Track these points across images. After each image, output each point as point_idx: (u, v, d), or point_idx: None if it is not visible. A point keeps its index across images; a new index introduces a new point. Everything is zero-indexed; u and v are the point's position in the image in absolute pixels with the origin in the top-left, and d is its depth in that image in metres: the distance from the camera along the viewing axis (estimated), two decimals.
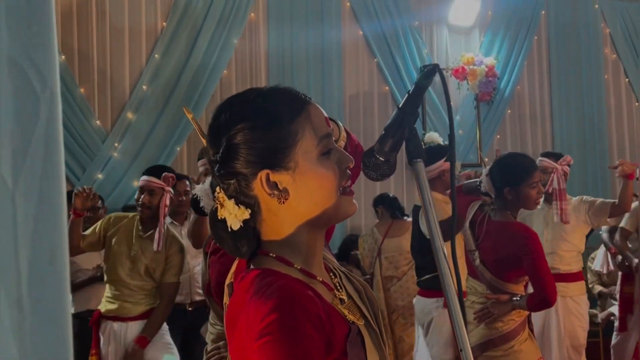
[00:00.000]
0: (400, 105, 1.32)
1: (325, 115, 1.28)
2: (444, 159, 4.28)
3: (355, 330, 1.25)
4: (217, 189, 1.26)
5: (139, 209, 4.07)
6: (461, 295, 1.19)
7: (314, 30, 7.12)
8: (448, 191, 3.97)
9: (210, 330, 3.18)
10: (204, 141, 1.27)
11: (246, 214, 1.23)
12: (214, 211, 1.27)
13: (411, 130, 1.31)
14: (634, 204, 5.33)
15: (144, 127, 6.36)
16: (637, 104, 8.49)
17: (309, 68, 7.09)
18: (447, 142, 6.16)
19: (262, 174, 1.20)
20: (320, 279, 1.27)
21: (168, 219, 5.29)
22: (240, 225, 1.23)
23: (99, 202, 5.09)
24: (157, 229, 4.01)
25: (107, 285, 4.13)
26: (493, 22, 7.92)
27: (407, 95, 1.32)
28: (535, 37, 8.14)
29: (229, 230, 1.25)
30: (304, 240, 1.26)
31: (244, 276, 1.25)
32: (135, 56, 6.51)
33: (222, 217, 1.25)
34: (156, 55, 6.48)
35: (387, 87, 7.52)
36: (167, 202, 4.03)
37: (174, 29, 6.57)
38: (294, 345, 1.09)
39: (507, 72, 7.87)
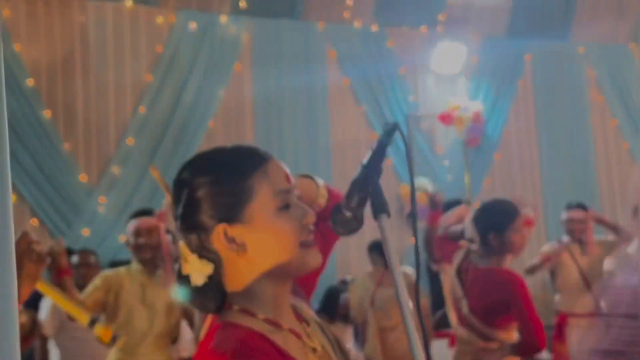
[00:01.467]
0: (364, 162, 1.35)
1: (287, 172, 1.31)
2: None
3: None
4: (181, 243, 1.28)
5: (138, 252, 3.82)
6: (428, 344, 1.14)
7: (299, 77, 7.18)
8: None
9: None
10: (168, 197, 1.30)
11: (209, 268, 1.25)
12: (179, 269, 1.29)
13: (375, 186, 1.34)
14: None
15: (130, 182, 6.34)
16: (625, 146, 8.52)
17: (295, 116, 7.13)
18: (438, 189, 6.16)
19: (220, 227, 1.23)
20: (288, 327, 1.28)
21: None
22: (205, 281, 1.25)
23: (92, 257, 4.93)
24: (165, 265, 3.82)
25: (115, 351, 3.79)
26: (479, 67, 7.99)
27: (370, 152, 1.36)
28: (521, 82, 8.22)
29: (194, 286, 1.26)
30: (267, 291, 1.28)
31: (209, 329, 1.28)
32: (121, 110, 6.53)
33: (187, 274, 1.27)
34: (141, 109, 6.49)
35: (374, 134, 7.54)
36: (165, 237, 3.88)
37: (159, 81, 6.61)
38: None
39: (494, 117, 7.92)
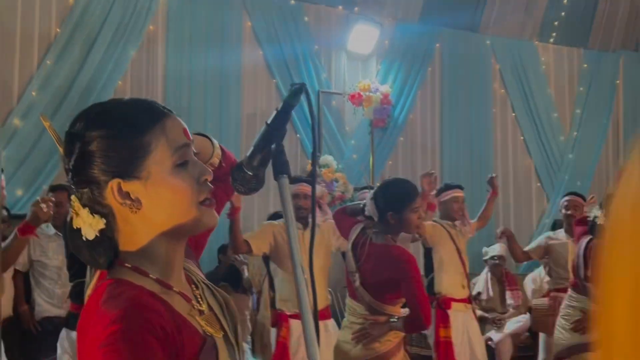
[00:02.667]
0: (268, 122, 1.34)
1: (185, 127, 1.29)
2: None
3: (211, 343, 1.26)
4: (72, 197, 1.25)
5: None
6: (316, 308, 1.21)
7: (213, 47, 7.11)
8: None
9: None
10: (60, 149, 1.27)
11: (101, 223, 1.23)
12: (70, 221, 1.26)
13: (278, 147, 1.33)
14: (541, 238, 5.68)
15: (31, 135, 6.13)
16: (521, 138, 8.89)
17: (206, 83, 7.05)
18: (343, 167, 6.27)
19: (114, 183, 1.21)
20: (177, 290, 1.28)
21: (52, 229, 5.15)
22: (96, 235, 1.23)
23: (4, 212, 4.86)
24: None
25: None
26: (390, 51, 8.12)
27: (275, 112, 1.34)
28: (430, 69, 8.41)
29: (85, 240, 1.24)
30: (161, 250, 1.26)
31: (98, 286, 1.25)
32: (26, 61, 6.28)
33: (78, 227, 1.24)
34: (48, 62, 6.28)
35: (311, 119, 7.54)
36: None
37: (68, 35, 6.39)
38: (133, 356, 1.09)
39: (402, 101, 8.07)
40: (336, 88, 7.85)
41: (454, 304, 5.06)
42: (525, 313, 6.69)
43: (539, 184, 8.91)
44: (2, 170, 3.99)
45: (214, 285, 1.44)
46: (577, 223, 4.24)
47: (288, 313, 4.51)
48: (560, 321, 4.12)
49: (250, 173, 1.34)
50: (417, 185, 3.65)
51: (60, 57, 6.34)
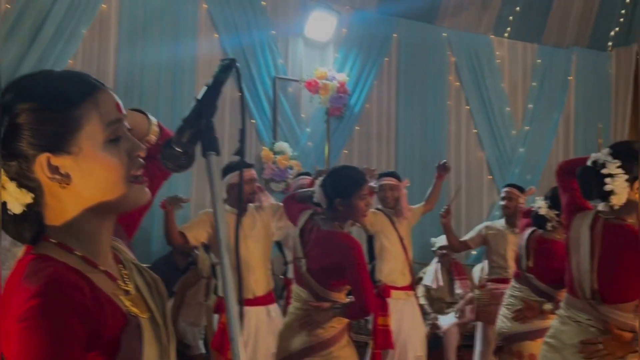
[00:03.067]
0: (198, 97, 1.32)
1: (118, 101, 1.27)
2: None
3: (135, 323, 1.25)
4: None
5: None
6: (241, 295, 1.21)
7: (168, 32, 7.03)
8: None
9: None
10: None
11: (28, 197, 1.21)
12: None
13: (208, 123, 1.32)
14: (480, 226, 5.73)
15: None
16: (474, 130, 8.99)
17: (160, 67, 6.96)
18: (295, 153, 6.26)
19: (43, 157, 1.19)
20: (103, 269, 1.26)
21: None
22: (24, 210, 1.21)
23: None
24: None
25: None
26: (348, 39, 8.12)
27: (205, 87, 1.33)
28: (386, 59, 8.43)
29: (11, 214, 1.22)
30: (88, 227, 1.25)
31: (21, 259, 1.23)
32: None
33: (4, 201, 1.22)
34: None
35: (240, 93, 7.49)
36: None
37: (18, 11, 6.24)
38: (51, 332, 1.08)
39: (358, 90, 8.09)
40: (293, 75, 7.83)
41: (394, 292, 5.09)
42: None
43: (490, 177, 9.02)
44: None
45: (142, 265, 1.43)
46: (523, 215, 4.32)
47: None
48: (503, 310, 4.19)
49: (179, 150, 1.32)
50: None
51: (10, 34, 6.19)
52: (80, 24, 6.52)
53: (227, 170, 4.63)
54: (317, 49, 8.07)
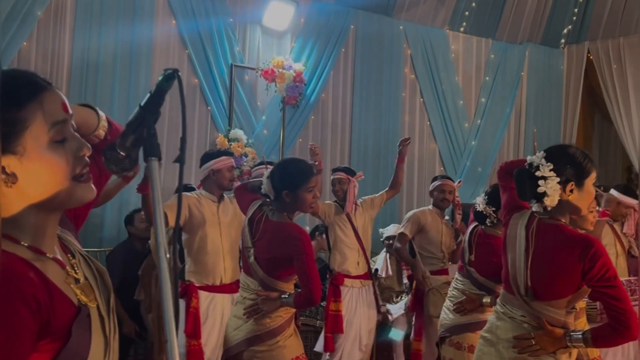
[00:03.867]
0: (142, 104, 1.37)
1: (64, 100, 1.29)
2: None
3: (85, 313, 1.29)
4: None
5: None
6: (177, 284, 1.26)
7: (125, 17, 6.99)
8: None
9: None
10: None
11: None
12: None
13: (150, 129, 1.36)
14: (413, 212, 5.77)
15: None
16: (428, 123, 9.11)
17: (116, 53, 6.89)
18: (251, 140, 6.22)
19: None
20: (51, 256, 1.30)
21: None
22: None
23: None
24: None
25: None
26: (305, 29, 8.15)
27: (149, 95, 1.38)
28: (343, 50, 8.47)
29: None
30: (34, 220, 1.28)
31: None
32: None
33: None
34: None
35: (196, 80, 7.50)
36: None
37: None
38: (2, 326, 1.11)
39: (314, 80, 8.12)
40: (249, 63, 7.83)
41: (347, 280, 5.27)
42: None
43: (442, 168, 9.13)
44: None
45: (89, 255, 1.47)
46: (472, 211, 4.43)
47: (197, 285, 4.56)
48: (446, 302, 4.30)
49: (123, 153, 1.36)
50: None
51: None
52: (35, 5, 6.43)
53: (206, 157, 4.73)
54: (275, 38, 8.08)
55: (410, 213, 5.75)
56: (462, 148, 9.21)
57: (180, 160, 1.38)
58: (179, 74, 1.38)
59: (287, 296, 3.36)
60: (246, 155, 7.43)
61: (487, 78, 9.51)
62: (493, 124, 9.43)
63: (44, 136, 1.24)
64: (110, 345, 1.37)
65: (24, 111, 1.23)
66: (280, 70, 7.54)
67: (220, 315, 4.59)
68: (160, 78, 1.38)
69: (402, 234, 5.65)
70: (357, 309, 5.29)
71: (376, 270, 7.00)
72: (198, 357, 4.43)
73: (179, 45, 7.44)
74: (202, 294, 4.56)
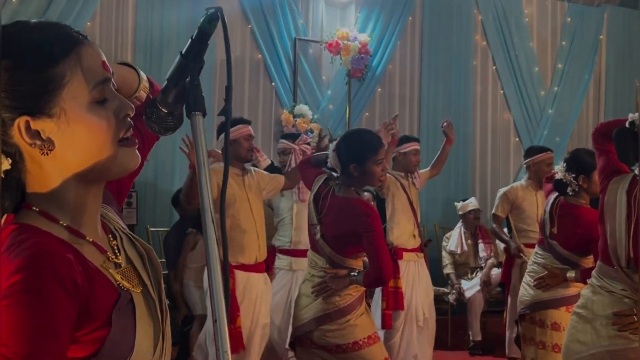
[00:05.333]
0: (183, 52, 1.19)
1: (104, 58, 1.15)
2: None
3: (126, 298, 1.16)
4: None
5: None
6: (226, 264, 1.09)
7: None
8: None
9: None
10: None
11: (6, 164, 1.10)
12: None
13: (193, 81, 1.19)
14: (502, 191, 5.62)
15: None
16: (501, 91, 8.78)
17: (179, 27, 6.85)
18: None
19: (21, 120, 1.08)
20: (90, 240, 1.17)
21: None
22: (1, 176, 1.10)
23: None
24: None
25: None
26: None
27: (190, 41, 1.19)
28: (410, 18, 8.22)
29: None
30: (73, 195, 1.15)
31: (2, 230, 1.13)
32: None
33: None
34: (13, 0, 6.05)
35: (259, 55, 7.41)
36: None
37: None
38: (37, 310, 0.99)
39: (380, 51, 7.92)
40: (313, 36, 7.68)
41: (405, 254, 5.12)
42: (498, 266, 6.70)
43: (517, 139, 8.83)
44: None
45: (133, 234, 1.33)
46: (546, 180, 4.18)
47: (234, 264, 4.39)
48: (525, 278, 4.08)
49: (165, 110, 1.20)
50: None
51: None
52: None
53: (222, 128, 4.53)
54: (339, 9, 7.91)
55: (500, 192, 5.72)
56: (539, 117, 8.84)
57: (226, 112, 1.20)
58: (222, 12, 1.18)
59: (356, 274, 3.22)
60: (312, 131, 7.31)
61: (563, 43, 9.08)
62: (571, 91, 9.01)
63: (84, 96, 1.11)
64: (164, 328, 1.23)
65: (59, 67, 1.09)
66: (345, 42, 7.36)
67: (254, 297, 4.42)
68: (201, 19, 1.18)
69: (495, 215, 5.68)
70: (414, 283, 5.14)
71: (429, 240, 6.83)
72: (238, 342, 4.26)
73: (242, 20, 7.34)
74: (239, 275, 4.35)
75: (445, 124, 5.52)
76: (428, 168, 5.61)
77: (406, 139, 5.35)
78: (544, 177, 4.83)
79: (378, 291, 5.08)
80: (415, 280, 5.14)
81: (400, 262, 5.07)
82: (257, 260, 4.45)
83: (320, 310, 3.24)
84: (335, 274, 3.23)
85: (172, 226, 6.06)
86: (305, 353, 3.30)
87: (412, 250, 5.18)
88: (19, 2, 6.08)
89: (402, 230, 5.15)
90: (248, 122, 4.62)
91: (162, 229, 6.35)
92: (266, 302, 4.51)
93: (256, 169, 4.72)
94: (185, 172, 6.45)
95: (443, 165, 5.67)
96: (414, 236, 5.21)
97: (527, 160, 5.63)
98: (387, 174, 5.11)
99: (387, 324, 4.98)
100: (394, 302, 4.98)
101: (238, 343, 4.26)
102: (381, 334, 4.96)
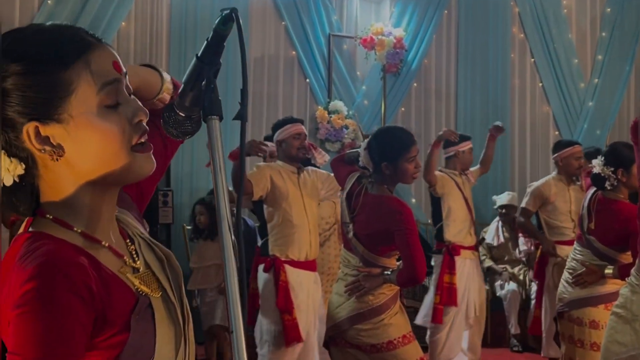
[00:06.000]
0: (198, 54, 1.17)
1: (116, 59, 1.13)
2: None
3: (145, 303, 1.14)
4: None
5: None
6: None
7: None
8: None
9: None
10: None
11: (20, 168, 1.10)
12: None
13: (209, 84, 1.16)
14: (535, 185, 5.51)
15: None
16: (540, 84, 8.62)
17: (213, 19, 6.81)
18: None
19: (30, 126, 1.07)
20: (107, 244, 1.15)
21: None
22: (15, 181, 1.10)
23: None
24: None
25: None
26: None
27: (205, 43, 1.17)
28: (445, 12, 8.11)
29: (3, 185, 1.11)
30: (87, 201, 1.14)
31: (16, 239, 1.12)
32: (27, 1, 6.13)
33: None
34: (49, 1, 6.13)
35: (293, 52, 7.40)
36: None
37: None
38: (50, 318, 0.98)
39: (415, 45, 7.83)
40: (347, 31, 7.64)
41: (463, 251, 5.12)
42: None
43: (556, 132, 8.66)
44: None
45: (152, 239, 1.31)
46: (586, 174, 4.09)
47: (283, 259, 4.37)
48: (564, 274, 4.00)
49: (183, 114, 1.17)
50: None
51: None
52: None
53: (276, 127, 4.52)
54: (373, 4, 7.87)
55: (533, 186, 5.58)
56: (578, 110, 8.65)
57: (241, 116, 1.16)
58: (237, 13, 1.15)
59: (389, 272, 3.18)
60: (347, 127, 7.27)
61: (603, 34, 8.86)
62: (611, 83, 8.77)
63: (93, 100, 1.09)
64: (185, 333, 1.21)
65: (68, 72, 1.07)
66: (380, 37, 7.31)
67: (306, 296, 4.37)
68: (217, 21, 1.15)
69: (524, 209, 5.52)
70: (468, 281, 5.13)
71: (482, 239, 6.76)
72: (295, 333, 4.21)
73: (275, 16, 7.33)
74: (289, 270, 4.33)
75: (495, 125, 5.51)
76: (477, 166, 5.58)
77: (462, 138, 5.34)
78: (582, 171, 4.73)
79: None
80: (469, 278, 5.14)
81: (457, 259, 5.08)
82: (308, 257, 4.41)
83: (354, 310, 3.22)
84: (369, 273, 3.21)
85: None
86: (339, 352, 3.28)
87: (469, 247, 5.19)
88: (54, 3, 6.15)
89: (458, 228, 5.15)
90: (298, 121, 4.61)
91: None
92: (316, 301, 4.46)
93: (314, 168, 4.70)
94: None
95: (490, 162, 5.65)
96: (470, 234, 5.21)
97: (555, 155, 5.52)
98: (440, 173, 5.20)
99: (437, 317, 5.00)
100: (448, 297, 4.99)
101: (295, 335, 4.23)
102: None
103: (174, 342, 1.18)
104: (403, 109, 7.88)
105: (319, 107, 7.35)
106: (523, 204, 5.55)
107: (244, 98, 1.16)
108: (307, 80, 7.41)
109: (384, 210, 3.16)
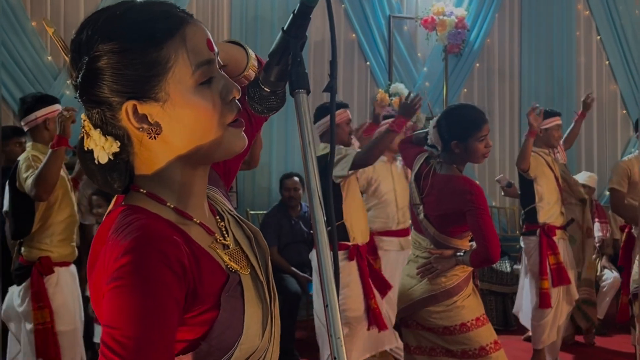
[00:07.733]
0: (284, 27, 1.14)
1: (209, 36, 1.12)
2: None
3: (235, 280, 1.14)
4: (82, 116, 1.12)
5: None
6: (335, 244, 1.05)
7: None
8: None
9: None
10: (67, 59, 1.12)
11: (115, 146, 1.09)
12: (81, 140, 1.13)
13: (296, 57, 1.13)
14: (618, 163, 5.34)
15: None
16: (607, 62, 8.38)
17: (273, 10, 6.87)
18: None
19: (128, 105, 1.07)
20: (198, 221, 1.15)
21: None
22: (110, 159, 1.10)
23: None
24: None
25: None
26: None
27: (292, 16, 1.13)
28: None
29: (97, 163, 1.11)
30: (179, 177, 1.13)
31: (110, 212, 1.14)
32: None
33: (89, 148, 1.11)
34: None
35: (354, 35, 7.35)
36: None
37: None
38: (146, 292, 0.98)
39: (478, 25, 7.72)
40: (408, 12, 7.55)
41: (557, 232, 5.04)
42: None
43: (624, 111, 8.42)
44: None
45: (240, 216, 1.30)
46: None
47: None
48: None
49: (268, 89, 1.16)
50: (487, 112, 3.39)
51: None
52: None
53: (321, 111, 4.50)
54: None
55: (615, 164, 5.37)
56: None
57: (330, 88, 1.13)
58: None
59: (462, 254, 3.12)
60: None
61: None
62: None
63: (189, 79, 1.08)
64: (271, 312, 1.20)
65: (165, 50, 1.06)
66: (441, 17, 7.19)
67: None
68: None
69: (614, 190, 5.15)
70: (565, 261, 5.02)
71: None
72: (379, 320, 4.29)
73: (335, 0, 7.27)
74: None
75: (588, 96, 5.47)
76: (561, 143, 5.46)
77: (548, 114, 5.17)
78: None
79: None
80: (565, 258, 5.03)
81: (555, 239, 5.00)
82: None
83: (426, 292, 3.18)
84: (441, 255, 3.16)
85: (272, 209, 6.13)
86: (411, 334, 3.25)
87: (561, 227, 5.08)
88: None
89: (552, 210, 5.05)
90: (346, 106, 4.59)
91: (260, 212, 6.42)
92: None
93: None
94: (282, 155, 6.55)
95: (574, 140, 5.63)
96: (562, 213, 5.11)
97: (638, 133, 5.31)
98: (532, 153, 5.01)
99: (546, 302, 4.87)
100: (558, 278, 4.88)
101: (379, 322, 4.28)
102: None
103: (262, 321, 1.17)
104: (465, 90, 7.77)
105: (380, 89, 7.28)
106: (611, 185, 5.17)
107: (333, 70, 1.13)
108: (368, 63, 7.36)
109: (454, 190, 3.10)
